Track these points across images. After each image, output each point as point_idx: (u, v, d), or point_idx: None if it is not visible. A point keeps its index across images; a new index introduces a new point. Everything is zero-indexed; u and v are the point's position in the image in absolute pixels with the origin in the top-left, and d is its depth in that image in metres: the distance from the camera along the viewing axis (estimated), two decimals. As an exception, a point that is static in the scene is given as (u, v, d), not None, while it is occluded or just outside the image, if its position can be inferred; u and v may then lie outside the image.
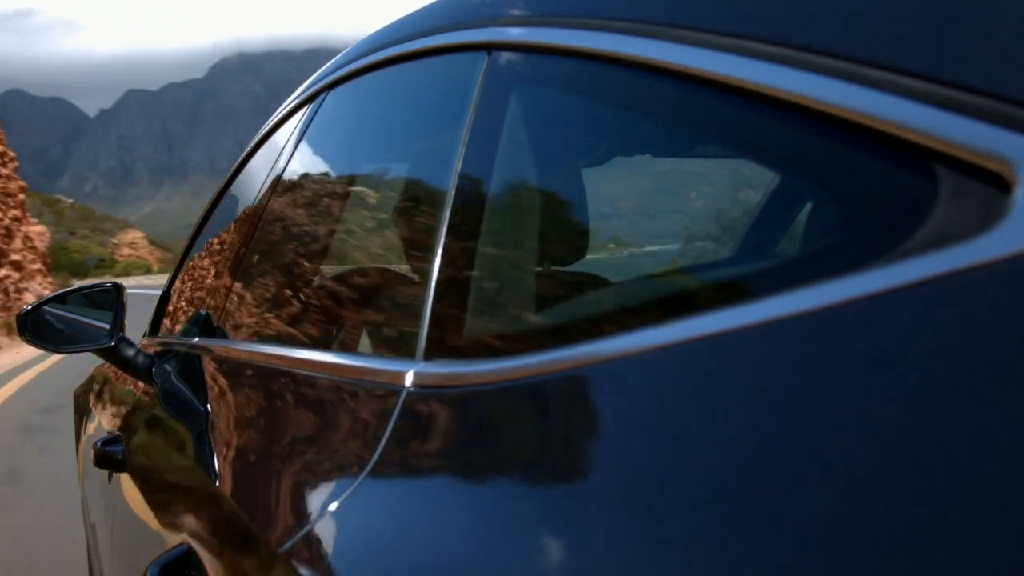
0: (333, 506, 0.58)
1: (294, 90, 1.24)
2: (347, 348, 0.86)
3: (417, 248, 0.76)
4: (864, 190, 0.38)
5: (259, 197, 1.24)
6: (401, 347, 0.71)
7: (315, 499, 0.62)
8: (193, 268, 1.80)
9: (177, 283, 1.88)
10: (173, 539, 0.91)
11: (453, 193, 0.66)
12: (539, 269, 0.67)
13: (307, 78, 1.19)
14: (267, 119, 1.37)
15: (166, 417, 1.23)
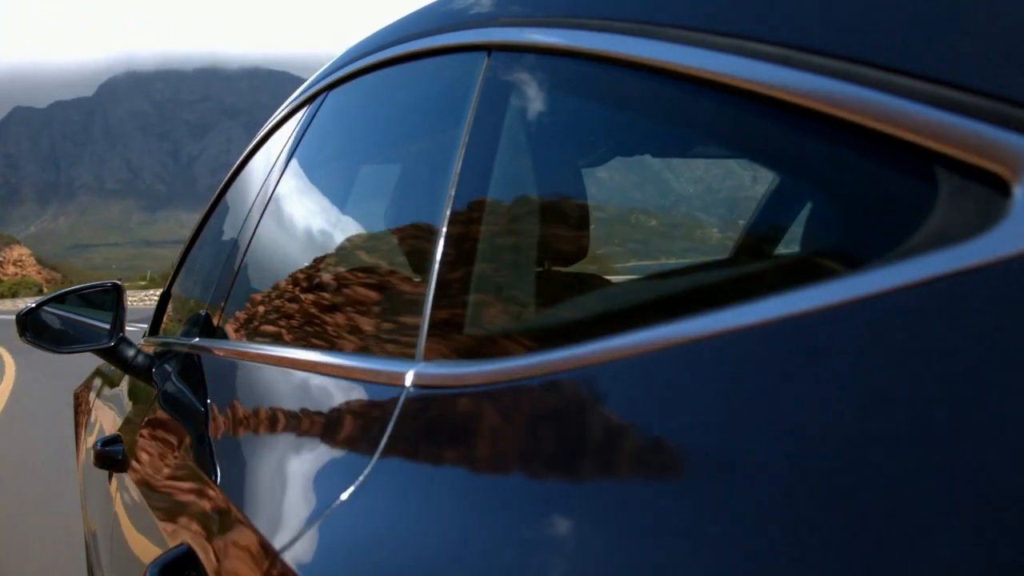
0: (333, 506, 0.58)
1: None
2: (347, 348, 0.86)
3: (417, 248, 0.76)
4: (864, 190, 0.38)
5: (259, 198, 1.24)
6: (401, 347, 0.71)
7: (315, 499, 0.62)
8: (193, 268, 1.80)
9: (177, 283, 1.88)
10: (173, 539, 0.91)
11: (453, 193, 0.66)
12: (539, 269, 0.67)
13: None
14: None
15: (166, 417, 1.23)
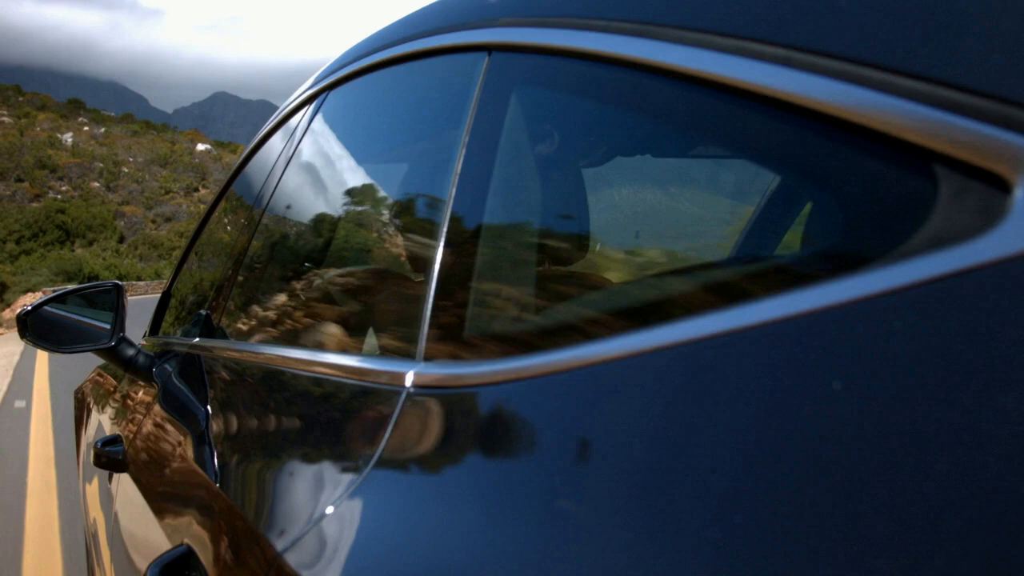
0: (333, 506, 0.58)
1: None
2: (347, 348, 0.86)
3: (417, 248, 0.76)
4: (864, 191, 0.38)
5: (259, 197, 1.24)
6: (401, 347, 0.71)
7: (315, 499, 0.62)
8: (193, 268, 1.80)
9: (177, 283, 1.88)
10: (173, 539, 0.91)
11: (453, 193, 0.66)
12: (539, 269, 0.67)
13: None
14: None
15: (166, 417, 1.23)
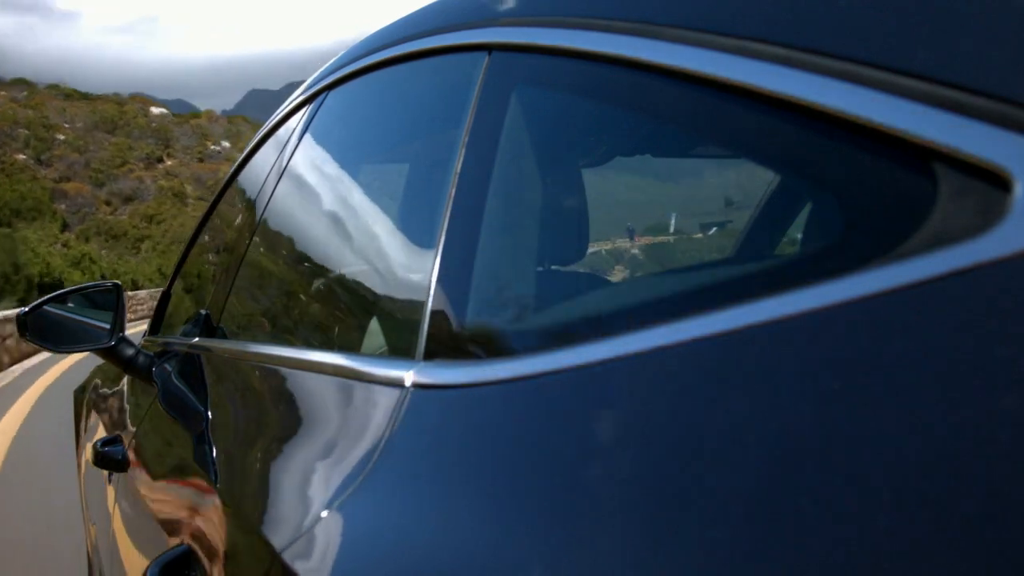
0: (333, 506, 0.58)
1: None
2: (347, 348, 0.86)
3: (417, 248, 0.76)
4: (864, 190, 0.38)
5: (259, 197, 1.24)
6: (401, 347, 0.71)
7: (315, 499, 0.62)
8: (193, 268, 1.80)
9: (177, 283, 1.88)
10: (173, 539, 0.91)
11: (453, 193, 0.66)
12: (539, 269, 0.67)
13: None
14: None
15: (166, 417, 1.23)
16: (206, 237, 1.73)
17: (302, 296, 1.05)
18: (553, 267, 0.75)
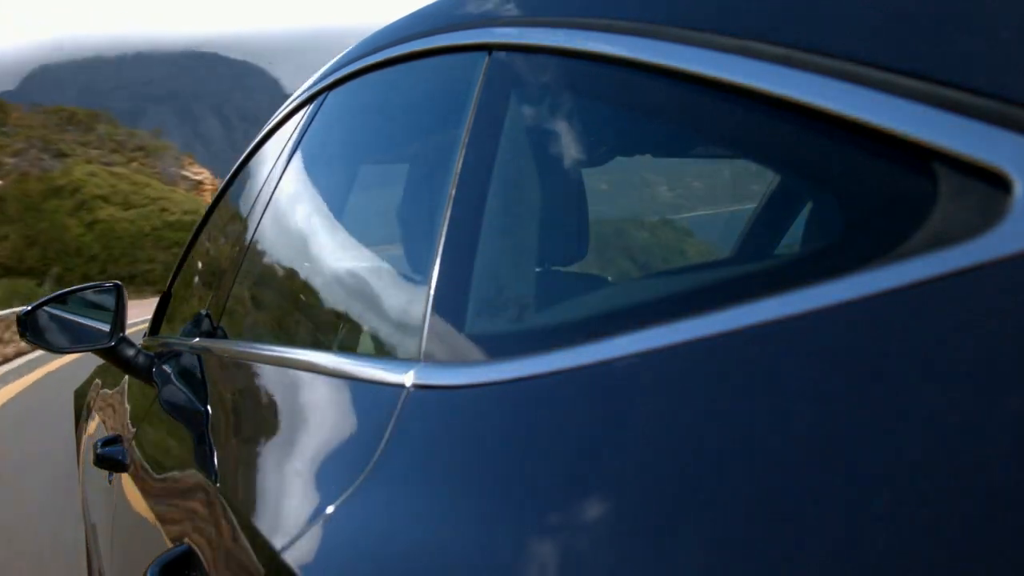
0: (333, 507, 0.58)
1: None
2: (347, 348, 0.86)
3: (417, 248, 0.76)
4: (864, 190, 0.38)
5: (259, 197, 1.24)
6: (401, 347, 0.71)
7: (315, 499, 0.62)
8: (193, 268, 1.80)
9: (177, 283, 1.88)
10: (173, 539, 0.91)
11: (453, 193, 0.66)
12: (539, 269, 0.67)
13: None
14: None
15: (166, 417, 1.23)
16: (207, 237, 1.73)
17: (302, 297, 1.05)
18: (553, 268, 0.75)
